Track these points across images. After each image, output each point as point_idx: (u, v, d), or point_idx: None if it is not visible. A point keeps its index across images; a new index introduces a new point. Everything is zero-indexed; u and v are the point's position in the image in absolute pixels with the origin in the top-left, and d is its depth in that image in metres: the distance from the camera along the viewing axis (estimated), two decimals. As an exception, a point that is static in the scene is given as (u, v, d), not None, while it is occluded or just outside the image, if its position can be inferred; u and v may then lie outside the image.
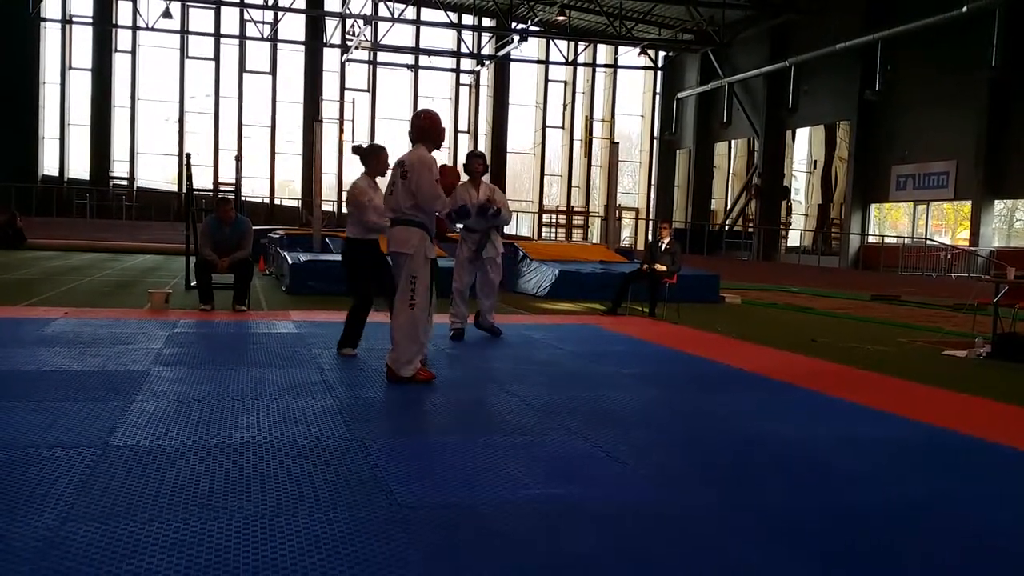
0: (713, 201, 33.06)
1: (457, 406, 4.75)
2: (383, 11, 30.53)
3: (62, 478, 3.08)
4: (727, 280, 15.73)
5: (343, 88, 31.71)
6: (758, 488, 3.35)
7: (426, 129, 5.27)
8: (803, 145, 29.00)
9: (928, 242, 23.25)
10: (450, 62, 32.96)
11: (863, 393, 5.46)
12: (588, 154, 34.73)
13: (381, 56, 31.81)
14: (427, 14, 30.99)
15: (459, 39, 32.13)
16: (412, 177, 5.11)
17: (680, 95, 33.05)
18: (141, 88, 30.19)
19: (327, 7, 31.02)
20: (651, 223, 33.16)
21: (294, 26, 30.85)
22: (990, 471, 3.78)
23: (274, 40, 30.62)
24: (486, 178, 7.75)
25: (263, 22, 30.18)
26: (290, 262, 11.91)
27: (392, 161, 5.55)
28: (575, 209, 34.89)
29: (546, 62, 33.28)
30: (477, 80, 33.53)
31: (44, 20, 28.70)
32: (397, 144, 6.08)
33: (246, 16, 29.92)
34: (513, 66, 33.06)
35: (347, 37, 29.75)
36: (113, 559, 2.37)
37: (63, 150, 29.66)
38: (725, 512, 3.04)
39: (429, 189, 5.09)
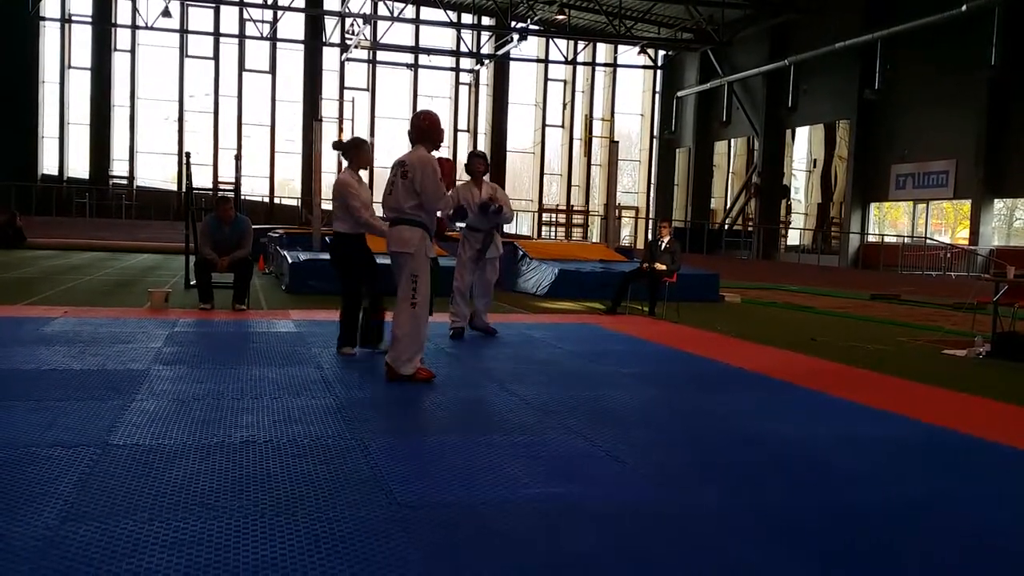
0: (713, 200, 33.06)
1: (457, 405, 4.75)
2: (382, 10, 30.53)
3: (62, 477, 3.08)
4: (727, 279, 15.73)
5: (343, 87, 31.70)
6: (758, 487, 3.35)
7: (426, 130, 5.33)
8: (803, 144, 29.01)
9: (928, 241, 23.26)
10: (450, 61, 32.96)
11: (863, 392, 5.46)
12: (588, 153, 34.73)
13: (380, 55, 31.80)
14: (426, 13, 30.99)
15: (459, 38, 32.12)
16: (415, 177, 5.16)
17: (680, 94, 33.05)
18: (140, 87, 30.18)
19: (327, 6, 31.01)
20: (651, 222, 33.17)
21: (294, 25, 30.84)
22: (990, 470, 3.79)
23: (274, 39, 30.60)
24: (486, 178, 7.76)
25: (263, 21, 30.17)
26: (290, 261, 11.91)
27: (382, 159, 5.62)
28: (575, 208, 34.89)
29: (546, 61, 33.27)
30: (477, 79, 33.52)
31: (43, 19, 28.68)
32: (397, 143, 6.12)
33: (245, 15, 29.90)
34: (513, 65, 33.05)
35: (347, 36, 29.74)
36: (113, 558, 2.37)
37: (63, 149, 29.65)
38: (725, 511, 3.04)
39: (434, 188, 5.16)
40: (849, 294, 16.25)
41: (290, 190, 32.60)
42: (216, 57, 30.50)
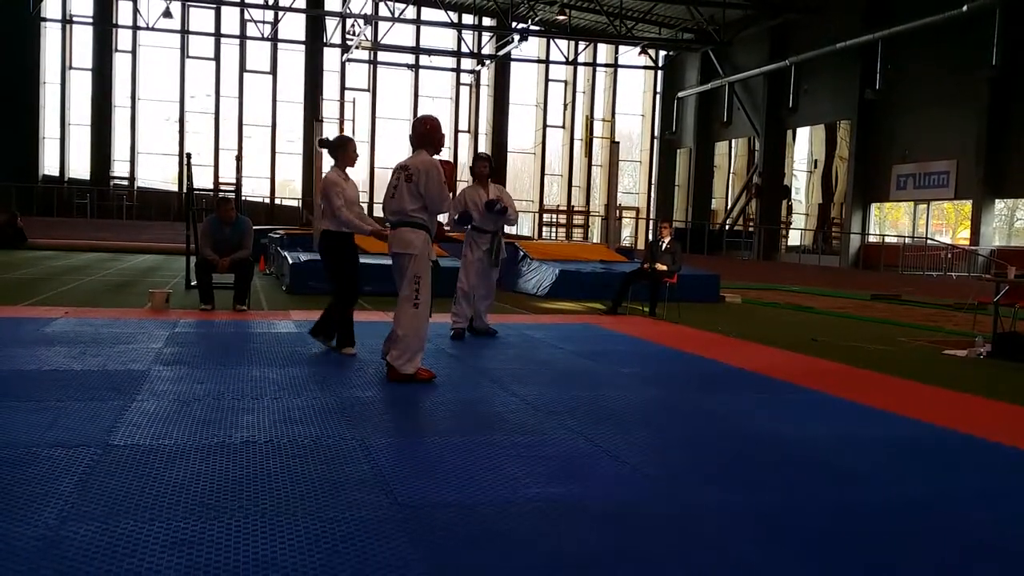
0: (713, 200, 33.06)
1: (457, 405, 4.75)
2: (383, 11, 30.55)
3: (62, 477, 3.08)
4: (727, 280, 15.73)
5: (343, 88, 31.72)
6: (758, 487, 3.35)
7: (427, 135, 5.43)
8: (803, 144, 29.00)
9: (928, 241, 23.25)
10: (450, 62, 32.97)
11: (863, 392, 5.45)
12: (588, 154, 34.73)
13: (381, 56, 31.82)
14: (427, 14, 31.01)
15: (459, 39, 32.13)
16: (420, 180, 5.27)
17: (680, 94, 33.05)
18: (141, 88, 30.21)
19: (327, 7, 31.03)
20: (651, 222, 33.16)
21: (294, 26, 30.88)
22: (990, 470, 3.78)
23: (274, 40, 30.63)
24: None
25: (263, 22, 30.20)
26: (290, 262, 11.91)
27: (383, 160, 5.75)
28: (575, 209, 34.89)
29: (546, 61, 33.28)
30: (477, 80, 33.53)
31: (44, 20, 28.71)
32: (398, 144, 6.23)
33: (246, 16, 29.93)
34: (513, 65, 33.07)
35: (347, 37, 29.77)
36: (113, 558, 2.37)
37: (63, 150, 29.67)
38: (725, 511, 3.04)
39: (438, 192, 5.29)
40: (850, 294, 16.24)
41: (291, 191, 32.62)
42: (217, 58, 30.53)
